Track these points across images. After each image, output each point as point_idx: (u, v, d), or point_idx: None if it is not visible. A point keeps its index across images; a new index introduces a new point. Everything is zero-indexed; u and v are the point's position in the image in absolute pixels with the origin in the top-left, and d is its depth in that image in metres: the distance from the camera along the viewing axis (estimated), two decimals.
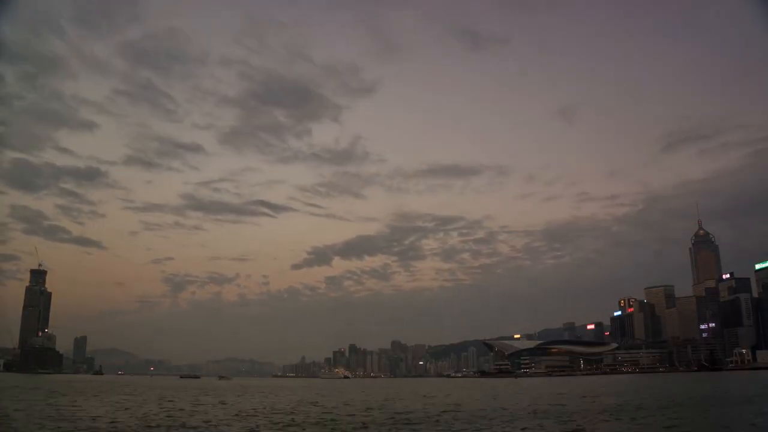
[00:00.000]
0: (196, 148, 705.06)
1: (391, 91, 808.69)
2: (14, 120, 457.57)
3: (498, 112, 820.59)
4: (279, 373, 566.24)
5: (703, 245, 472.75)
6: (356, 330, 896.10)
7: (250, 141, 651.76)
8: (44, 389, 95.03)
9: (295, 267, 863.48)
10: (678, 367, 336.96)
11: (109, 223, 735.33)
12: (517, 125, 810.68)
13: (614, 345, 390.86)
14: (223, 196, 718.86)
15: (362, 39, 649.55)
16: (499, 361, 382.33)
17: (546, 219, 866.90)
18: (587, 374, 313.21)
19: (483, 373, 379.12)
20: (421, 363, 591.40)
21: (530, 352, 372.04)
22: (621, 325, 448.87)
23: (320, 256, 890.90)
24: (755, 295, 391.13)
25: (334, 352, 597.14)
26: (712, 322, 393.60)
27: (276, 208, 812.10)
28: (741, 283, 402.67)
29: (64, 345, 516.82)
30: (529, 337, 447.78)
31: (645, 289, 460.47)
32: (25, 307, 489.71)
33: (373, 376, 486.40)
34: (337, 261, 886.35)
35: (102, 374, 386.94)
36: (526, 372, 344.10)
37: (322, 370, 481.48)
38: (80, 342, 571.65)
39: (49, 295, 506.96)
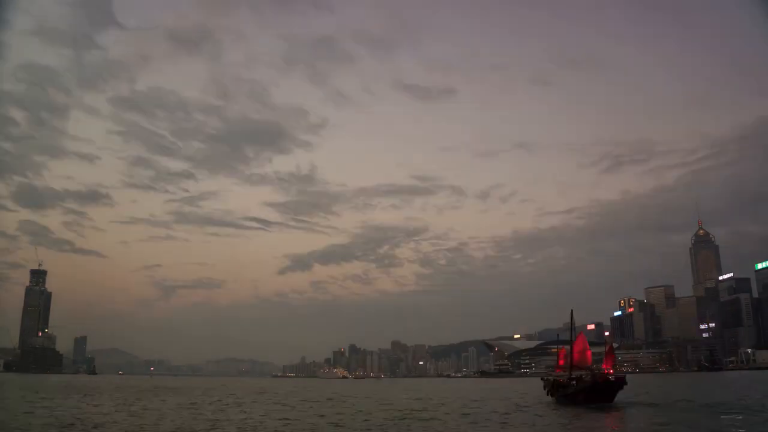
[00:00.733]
0: (182, 174, 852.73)
1: (343, 130, 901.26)
2: (27, 153, 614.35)
3: (450, 147, 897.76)
4: (279, 373, 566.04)
5: (703, 245, 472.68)
6: (356, 330, 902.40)
7: (225, 168, 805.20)
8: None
9: (281, 272, 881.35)
10: (678, 367, 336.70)
11: (108, 236, 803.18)
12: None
13: (614, 345, 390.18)
14: (206, 212, 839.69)
15: (314, 91, 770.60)
16: (499, 361, 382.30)
17: (512, 229, 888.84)
18: None
19: (483, 373, 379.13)
20: (421, 363, 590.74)
21: (530, 352, 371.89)
22: (621, 325, 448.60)
23: (301, 263, 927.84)
24: (755, 295, 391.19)
25: (334, 352, 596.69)
26: (712, 322, 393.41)
27: (255, 220, 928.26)
28: (741, 283, 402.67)
29: (64, 345, 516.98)
30: (529, 337, 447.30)
31: (645, 289, 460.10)
32: (25, 307, 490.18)
33: (373, 376, 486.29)
34: (317, 267, 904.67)
35: (96, 374, 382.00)
36: (526, 372, 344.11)
37: (321, 371, 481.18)
38: (80, 342, 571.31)
39: (49, 295, 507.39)
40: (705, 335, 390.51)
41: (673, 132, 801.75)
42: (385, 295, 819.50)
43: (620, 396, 51.76)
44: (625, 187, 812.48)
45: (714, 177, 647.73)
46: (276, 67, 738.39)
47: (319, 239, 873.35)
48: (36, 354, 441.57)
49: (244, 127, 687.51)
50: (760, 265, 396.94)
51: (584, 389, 51.41)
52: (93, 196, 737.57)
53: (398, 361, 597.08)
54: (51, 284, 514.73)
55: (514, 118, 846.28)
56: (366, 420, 41.00)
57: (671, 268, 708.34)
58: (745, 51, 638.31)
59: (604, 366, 54.16)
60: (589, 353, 58.27)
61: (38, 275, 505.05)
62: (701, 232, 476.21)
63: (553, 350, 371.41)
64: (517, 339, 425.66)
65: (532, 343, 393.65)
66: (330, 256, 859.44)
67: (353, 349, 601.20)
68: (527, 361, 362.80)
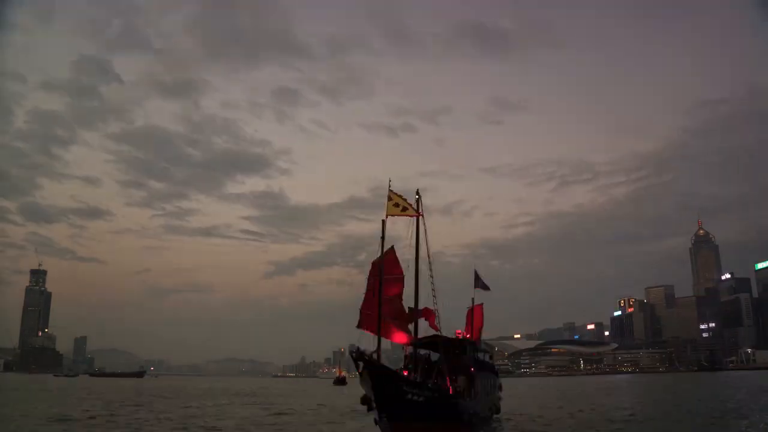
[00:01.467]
0: (172, 193, 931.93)
1: (306, 157, 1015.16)
2: (33, 176, 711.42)
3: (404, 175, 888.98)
4: (279, 373, 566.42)
5: (703, 245, 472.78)
6: (356, 330, 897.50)
7: (206, 189, 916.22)
8: None
9: (267, 276, 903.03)
10: (678, 367, 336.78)
11: (106, 246, 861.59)
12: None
13: (614, 345, 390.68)
14: (193, 225, 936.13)
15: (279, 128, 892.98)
16: (499, 361, 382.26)
17: (481, 238, 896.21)
18: (587, 374, 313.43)
19: None
20: None
21: (530, 352, 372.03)
22: (621, 325, 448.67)
23: (284, 269, 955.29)
24: (755, 295, 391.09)
25: (334, 352, 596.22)
26: (712, 322, 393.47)
27: (238, 231, 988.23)
28: (741, 283, 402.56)
29: (64, 345, 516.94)
30: (529, 337, 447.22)
31: (645, 289, 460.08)
32: (25, 307, 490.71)
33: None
34: (300, 272, 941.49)
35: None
36: (526, 372, 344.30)
37: (320, 371, 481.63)
38: (80, 342, 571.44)
39: (49, 295, 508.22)
40: (705, 335, 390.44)
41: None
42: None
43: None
44: (577, 201, 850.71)
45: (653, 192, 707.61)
46: (246, 109, 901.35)
47: (298, 248, 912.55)
48: (36, 354, 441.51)
49: (222, 157, 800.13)
50: (760, 265, 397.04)
51: None
52: (93, 213, 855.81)
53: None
54: (51, 285, 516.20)
55: (467, 150, 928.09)
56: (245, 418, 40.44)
57: (671, 268, 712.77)
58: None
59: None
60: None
61: (38, 275, 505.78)
62: (701, 232, 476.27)
63: (553, 350, 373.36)
64: (517, 339, 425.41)
65: (532, 343, 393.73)
66: (311, 263, 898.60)
67: (353, 349, 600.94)
68: (527, 361, 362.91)
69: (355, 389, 30.65)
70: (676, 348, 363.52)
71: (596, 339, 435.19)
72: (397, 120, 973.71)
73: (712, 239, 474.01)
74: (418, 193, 30.12)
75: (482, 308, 40.80)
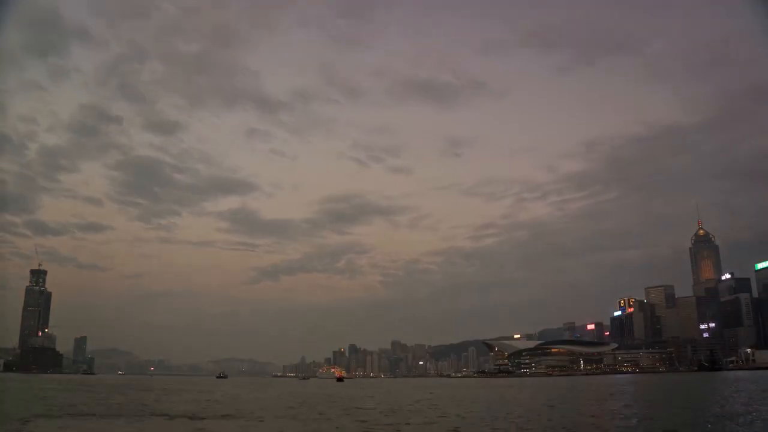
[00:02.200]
0: (164, 211, 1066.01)
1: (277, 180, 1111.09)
2: (42, 198, 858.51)
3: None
4: (279, 373, 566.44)
5: (703, 245, 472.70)
6: (356, 330, 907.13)
7: (190, 207, 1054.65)
8: None
9: (254, 281, 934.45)
10: (678, 367, 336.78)
11: (107, 253, 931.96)
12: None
13: (614, 345, 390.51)
14: (180, 237, 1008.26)
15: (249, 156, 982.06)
16: (499, 361, 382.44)
17: (450, 246, 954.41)
18: (587, 374, 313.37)
19: (483, 373, 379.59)
20: (421, 363, 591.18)
21: (530, 352, 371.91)
22: (621, 325, 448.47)
23: (268, 274, 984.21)
24: (755, 295, 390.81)
25: (334, 352, 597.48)
26: (712, 322, 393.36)
27: (218, 241, 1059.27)
28: (741, 283, 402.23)
29: (64, 345, 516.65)
30: (529, 337, 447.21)
31: (645, 289, 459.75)
32: (25, 307, 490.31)
33: (372, 377, 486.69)
34: (284, 278, 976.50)
35: (94, 374, 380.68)
36: (526, 372, 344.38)
37: (319, 371, 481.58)
38: (80, 342, 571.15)
39: (49, 295, 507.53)
40: (705, 335, 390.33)
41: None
42: (380, 297, 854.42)
43: None
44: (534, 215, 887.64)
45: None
46: (224, 144, 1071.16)
47: (276, 257, 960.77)
48: (36, 354, 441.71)
49: (204, 181, 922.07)
50: (760, 265, 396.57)
51: None
52: (94, 227, 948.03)
53: (398, 361, 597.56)
54: (51, 285, 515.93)
55: (426, 175, 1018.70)
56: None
57: (671, 268, 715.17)
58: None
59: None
60: None
61: (38, 275, 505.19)
62: (701, 232, 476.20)
63: (553, 350, 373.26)
64: (517, 339, 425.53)
65: (532, 343, 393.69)
66: (292, 268, 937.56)
67: (353, 348, 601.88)
68: (527, 361, 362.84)
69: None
70: (676, 348, 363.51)
71: (596, 339, 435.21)
72: (360, 153, 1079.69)
73: (712, 239, 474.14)
74: None
75: None
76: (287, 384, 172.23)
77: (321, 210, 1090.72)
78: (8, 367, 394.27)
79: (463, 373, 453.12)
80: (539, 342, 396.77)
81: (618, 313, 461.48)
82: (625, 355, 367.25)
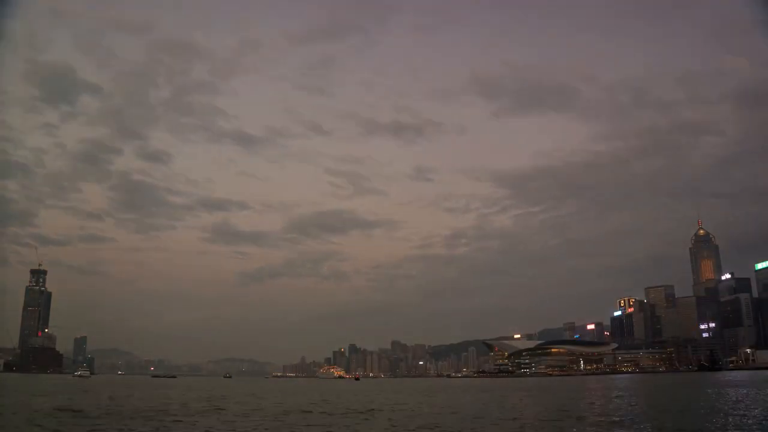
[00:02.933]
0: (156, 224, 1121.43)
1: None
2: (49, 214, 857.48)
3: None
4: (279, 373, 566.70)
5: (703, 245, 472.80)
6: (356, 330, 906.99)
7: (177, 220, 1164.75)
8: None
9: (242, 285, 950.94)
10: (678, 367, 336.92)
11: (108, 261, 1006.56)
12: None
13: (614, 345, 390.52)
14: (170, 245, 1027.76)
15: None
16: (499, 361, 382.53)
17: (423, 254, 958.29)
18: (587, 374, 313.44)
19: (483, 373, 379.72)
20: (421, 363, 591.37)
21: (530, 352, 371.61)
22: (621, 325, 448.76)
23: (252, 279, 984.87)
24: (755, 295, 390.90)
25: (334, 352, 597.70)
26: (712, 322, 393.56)
27: (203, 249, 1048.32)
28: (741, 283, 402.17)
29: (64, 345, 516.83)
30: (529, 337, 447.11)
31: (645, 289, 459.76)
32: (25, 307, 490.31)
33: (372, 376, 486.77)
34: (269, 281, 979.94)
35: (93, 373, 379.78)
36: (526, 372, 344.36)
37: (320, 371, 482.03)
38: (80, 342, 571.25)
39: (49, 295, 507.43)
40: (705, 335, 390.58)
41: None
42: (379, 297, 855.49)
43: None
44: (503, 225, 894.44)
45: None
46: (208, 171, 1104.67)
47: (259, 261, 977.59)
48: (36, 354, 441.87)
49: (194, 201, 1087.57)
50: (760, 265, 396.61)
51: None
52: (97, 239, 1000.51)
53: (398, 361, 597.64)
54: (51, 285, 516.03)
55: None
56: None
57: (671, 268, 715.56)
58: None
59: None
60: None
61: (38, 275, 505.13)
62: (701, 232, 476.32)
63: (553, 350, 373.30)
64: (517, 339, 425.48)
65: (532, 343, 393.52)
66: (275, 272, 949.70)
67: (353, 348, 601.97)
68: (527, 361, 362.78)
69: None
70: (676, 348, 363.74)
71: (596, 339, 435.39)
72: (334, 178, 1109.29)
73: (712, 239, 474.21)
74: None
75: None
76: (308, 383, 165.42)
77: (301, 222, 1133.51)
78: (8, 367, 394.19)
79: (463, 373, 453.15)
80: (539, 342, 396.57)
81: (618, 313, 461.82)
82: (625, 355, 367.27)
